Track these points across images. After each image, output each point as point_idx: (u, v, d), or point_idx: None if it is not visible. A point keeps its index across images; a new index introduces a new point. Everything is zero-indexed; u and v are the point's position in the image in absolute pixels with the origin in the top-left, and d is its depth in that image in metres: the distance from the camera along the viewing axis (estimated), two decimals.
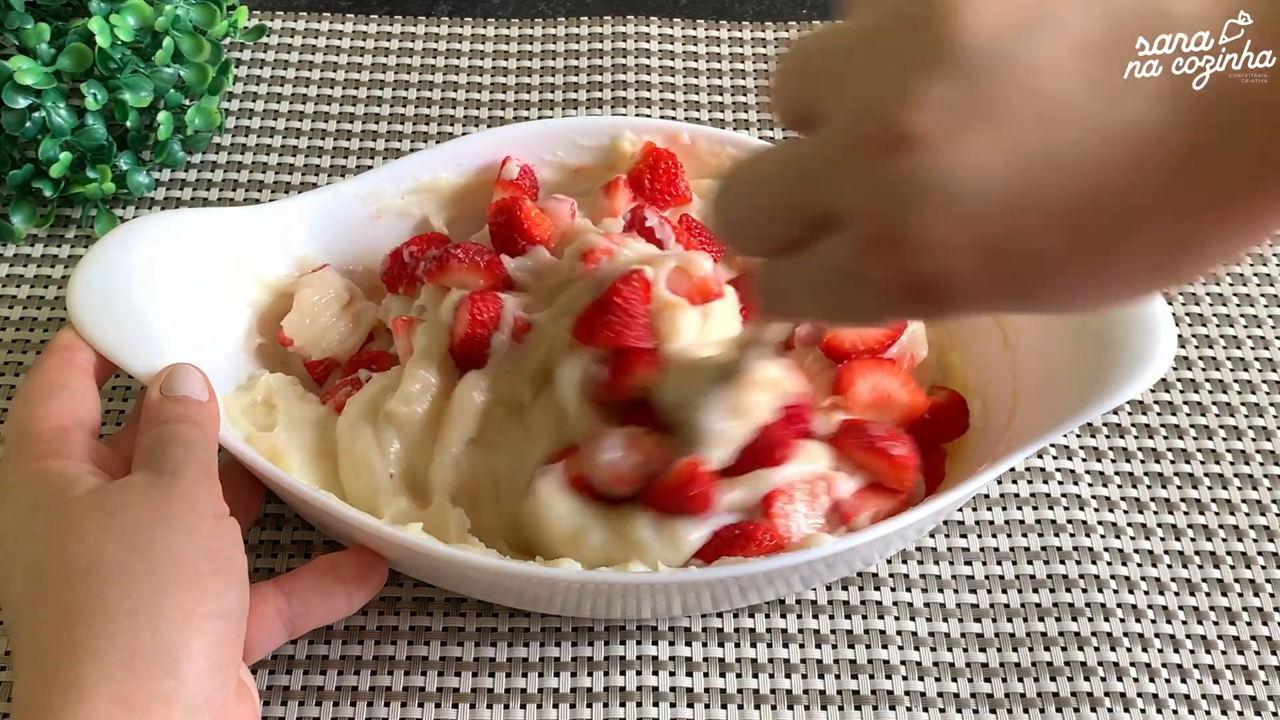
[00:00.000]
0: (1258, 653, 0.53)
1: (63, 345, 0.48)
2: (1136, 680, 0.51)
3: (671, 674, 0.51)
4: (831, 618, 0.53)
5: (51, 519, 0.41)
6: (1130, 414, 0.60)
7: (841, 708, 0.50)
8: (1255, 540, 0.56)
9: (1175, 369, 0.62)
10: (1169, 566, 0.55)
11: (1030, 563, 0.55)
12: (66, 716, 0.37)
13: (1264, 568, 0.55)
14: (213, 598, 0.41)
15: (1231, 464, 0.58)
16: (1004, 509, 0.56)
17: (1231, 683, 0.52)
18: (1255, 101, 0.29)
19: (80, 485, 0.42)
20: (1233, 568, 0.55)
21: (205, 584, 0.41)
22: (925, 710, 0.50)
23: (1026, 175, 0.30)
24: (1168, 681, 0.52)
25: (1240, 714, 0.51)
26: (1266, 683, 0.52)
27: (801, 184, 0.33)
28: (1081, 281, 0.32)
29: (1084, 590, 0.54)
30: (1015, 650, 0.52)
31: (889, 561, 0.54)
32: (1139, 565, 0.55)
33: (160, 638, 0.39)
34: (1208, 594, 0.54)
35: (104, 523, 0.41)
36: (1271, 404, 0.60)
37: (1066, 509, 0.56)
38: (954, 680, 0.51)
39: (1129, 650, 0.52)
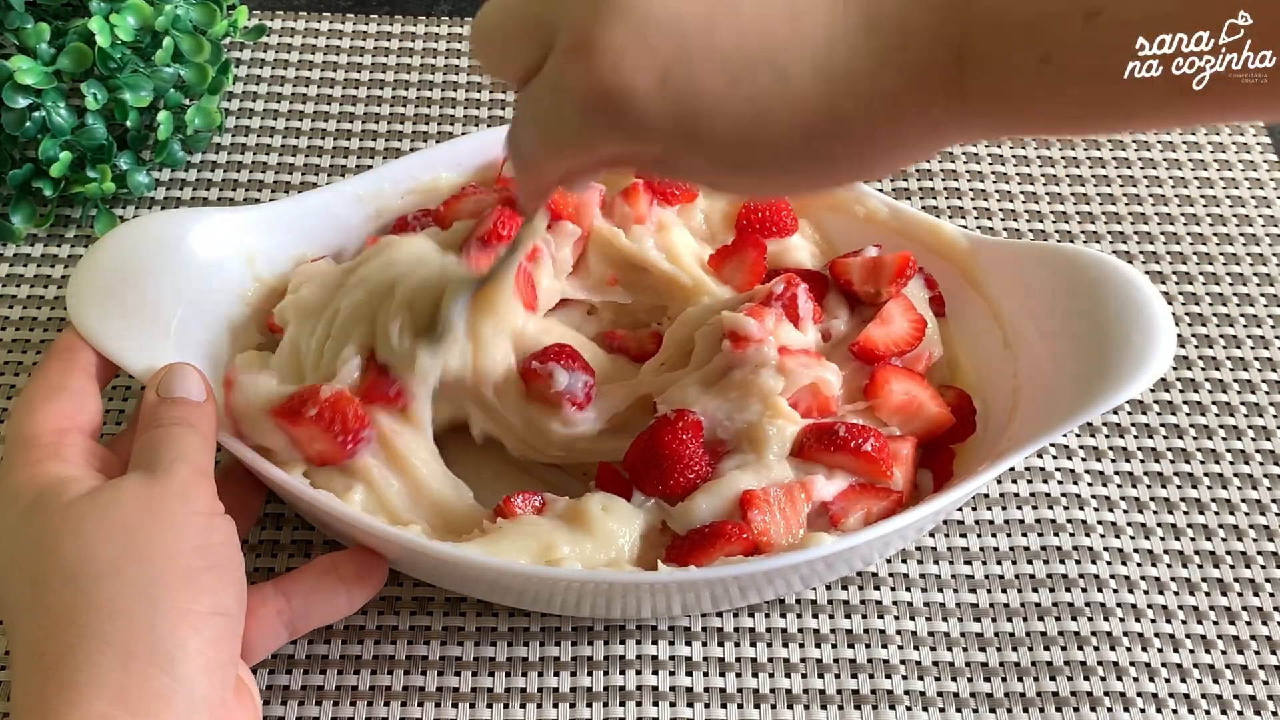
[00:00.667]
0: (1257, 652, 0.53)
1: (64, 347, 0.48)
2: (1136, 680, 0.52)
3: (671, 673, 0.51)
4: (831, 617, 0.53)
5: (46, 521, 0.41)
6: (1130, 414, 0.60)
7: (841, 707, 0.50)
8: (1255, 540, 0.56)
9: (1175, 369, 0.62)
10: (1169, 566, 0.55)
11: (1030, 562, 0.55)
12: (63, 716, 0.37)
13: (1264, 567, 0.55)
14: (207, 595, 0.41)
15: (1231, 464, 0.58)
16: (1004, 508, 0.56)
17: (1231, 682, 0.52)
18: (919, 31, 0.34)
19: (76, 487, 0.42)
20: (1232, 567, 0.55)
21: (200, 581, 0.41)
22: (925, 710, 0.50)
23: (705, 13, 0.35)
24: (1167, 681, 0.52)
25: (1240, 714, 0.51)
26: (1266, 682, 0.52)
27: (529, 5, 0.39)
28: (739, 138, 0.36)
29: (1084, 590, 0.54)
30: (1015, 650, 0.52)
31: (889, 561, 0.54)
32: (1139, 565, 0.55)
33: (156, 637, 0.39)
34: (1207, 593, 0.54)
35: (97, 523, 0.41)
36: (1271, 404, 0.60)
37: (1066, 508, 0.56)
38: (954, 680, 0.51)
39: (1129, 650, 0.52)
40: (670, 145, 0.37)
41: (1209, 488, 0.58)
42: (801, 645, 0.52)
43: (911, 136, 0.37)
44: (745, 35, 0.35)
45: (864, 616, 0.53)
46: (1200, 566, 0.55)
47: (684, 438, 0.49)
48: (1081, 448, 0.58)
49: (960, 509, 0.56)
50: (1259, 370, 0.62)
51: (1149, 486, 0.57)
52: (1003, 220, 0.67)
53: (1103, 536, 0.56)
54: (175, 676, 0.39)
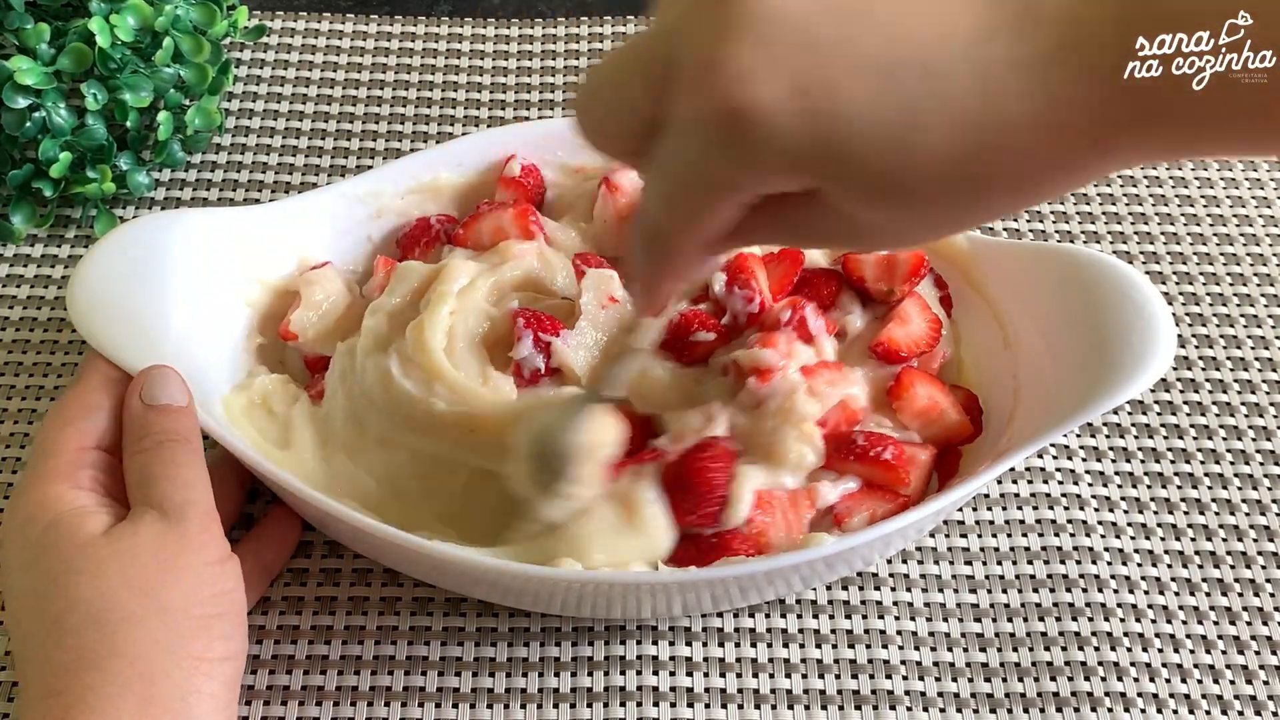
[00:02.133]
0: (1258, 653, 0.53)
1: (101, 363, 0.48)
2: (1136, 680, 0.51)
3: (671, 674, 0.51)
4: (831, 618, 0.53)
5: (63, 558, 0.42)
6: (1130, 414, 0.60)
7: (841, 708, 0.50)
8: (1255, 540, 0.56)
9: (1175, 369, 0.62)
10: (1169, 566, 0.55)
11: (1030, 562, 0.55)
12: None
13: (1264, 568, 0.55)
14: (220, 642, 0.42)
15: (1231, 464, 0.58)
16: (1004, 509, 0.56)
17: (1231, 683, 0.52)
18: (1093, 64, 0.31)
19: (90, 523, 0.43)
20: (1233, 568, 0.55)
21: (213, 630, 0.42)
22: (925, 710, 0.50)
23: (838, 18, 0.32)
24: (1168, 681, 0.52)
25: (1240, 714, 0.51)
26: (1267, 682, 0.52)
27: (644, 47, 0.35)
28: (889, 152, 0.32)
29: (1084, 590, 0.54)
30: (1015, 650, 0.52)
31: (889, 561, 0.54)
32: (1139, 565, 0.55)
33: (174, 684, 0.40)
34: (1208, 594, 0.54)
35: (118, 570, 0.42)
36: (1271, 404, 0.60)
37: (1066, 509, 0.56)
38: (954, 680, 0.51)
39: (1129, 650, 0.52)
40: (813, 172, 0.33)
41: (1209, 488, 0.57)
42: (802, 646, 0.52)
43: (1082, 151, 0.33)
44: (886, 37, 0.31)
45: (864, 617, 0.53)
46: (1201, 567, 0.55)
47: (715, 467, 0.48)
48: (1082, 448, 0.58)
49: (961, 509, 0.56)
50: (1259, 370, 0.62)
51: (1149, 487, 0.57)
52: (1002, 220, 0.67)
53: (1103, 537, 0.55)
54: None
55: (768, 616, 0.53)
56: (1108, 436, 0.59)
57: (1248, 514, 0.57)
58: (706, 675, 0.51)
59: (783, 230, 0.38)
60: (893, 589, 0.54)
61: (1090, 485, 0.57)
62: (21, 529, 0.43)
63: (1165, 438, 0.59)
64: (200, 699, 0.41)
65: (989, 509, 0.56)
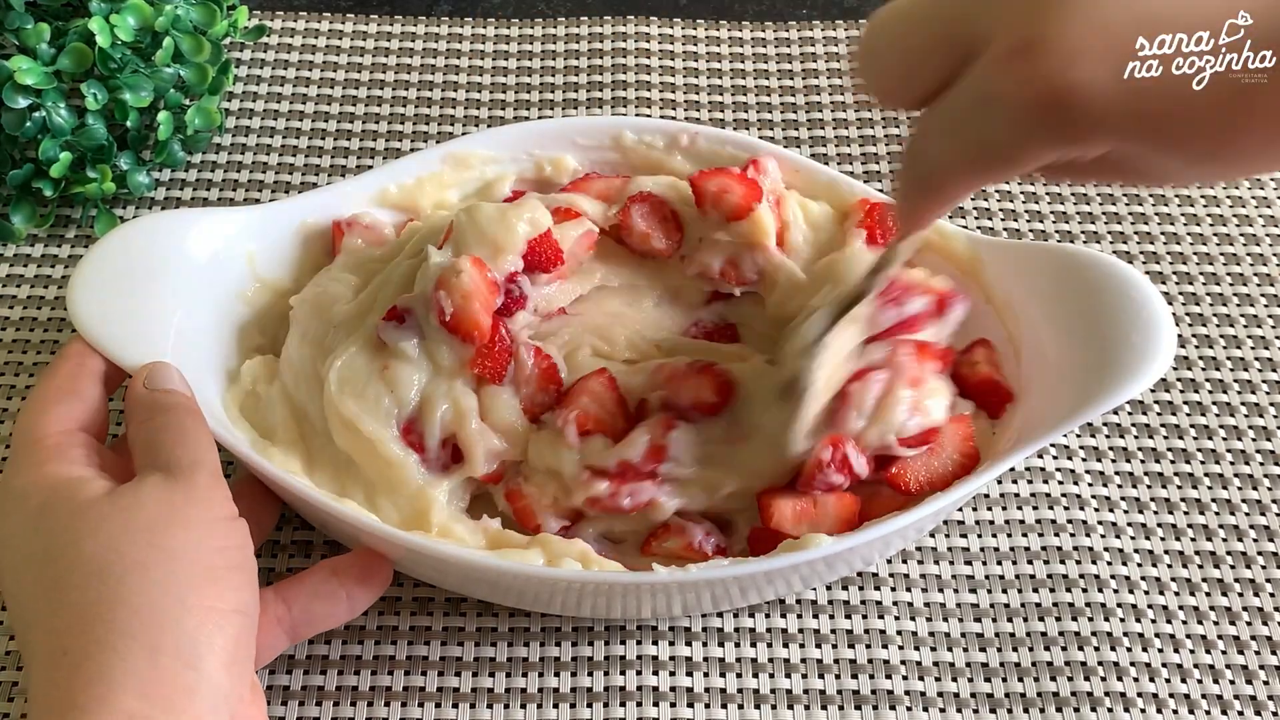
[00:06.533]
0: (1258, 653, 0.53)
1: (74, 352, 0.48)
2: (1136, 680, 0.52)
3: (671, 674, 0.51)
4: (831, 617, 0.53)
5: (63, 520, 0.41)
6: (1130, 414, 0.60)
7: (841, 707, 0.50)
8: (1255, 540, 0.56)
9: (1175, 369, 0.62)
10: (1169, 566, 0.55)
11: (1030, 562, 0.55)
12: (91, 711, 0.37)
13: (1264, 568, 0.55)
14: (230, 593, 0.41)
15: (1231, 464, 0.58)
16: (1004, 509, 0.56)
17: (1231, 683, 0.52)
18: None
19: (89, 488, 0.42)
20: (1233, 568, 0.55)
21: (223, 581, 0.41)
22: (925, 710, 0.50)
23: None
24: (1168, 681, 0.52)
25: (1240, 714, 0.51)
26: (1266, 682, 0.52)
27: (945, 14, 0.35)
28: (1220, 121, 0.32)
29: (1084, 590, 0.54)
30: (1015, 650, 0.52)
31: (889, 561, 0.54)
32: (1139, 565, 0.55)
33: (183, 633, 0.39)
34: (1208, 594, 0.54)
35: (120, 524, 0.41)
36: (1271, 404, 0.60)
37: (1066, 509, 0.56)
38: (954, 680, 0.51)
39: (1129, 650, 0.52)
40: (1135, 143, 0.33)
41: (1209, 488, 0.57)
42: (802, 645, 0.52)
43: None
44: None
45: (864, 617, 0.53)
46: (1201, 567, 0.55)
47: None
48: (1082, 448, 0.58)
49: (960, 509, 0.56)
50: (1259, 370, 0.62)
51: (1149, 487, 0.57)
52: (1003, 220, 0.67)
53: (1103, 537, 0.56)
54: (200, 671, 0.39)
55: (768, 616, 0.53)
56: (1108, 436, 0.59)
57: (1248, 514, 0.57)
58: (706, 675, 0.51)
59: (1061, 173, 0.38)
60: (893, 589, 0.54)
61: (1090, 485, 0.57)
62: (19, 504, 0.42)
63: (1165, 438, 0.59)
64: (211, 650, 0.39)
65: (989, 509, 0.56)
